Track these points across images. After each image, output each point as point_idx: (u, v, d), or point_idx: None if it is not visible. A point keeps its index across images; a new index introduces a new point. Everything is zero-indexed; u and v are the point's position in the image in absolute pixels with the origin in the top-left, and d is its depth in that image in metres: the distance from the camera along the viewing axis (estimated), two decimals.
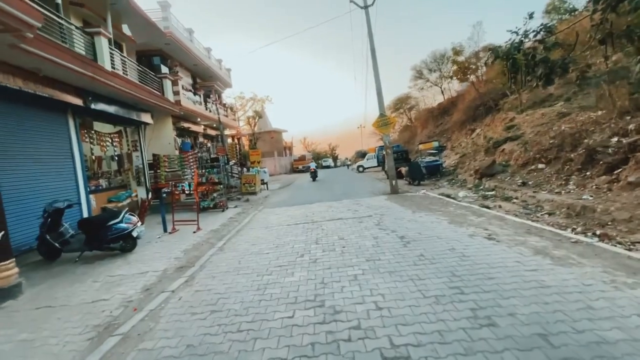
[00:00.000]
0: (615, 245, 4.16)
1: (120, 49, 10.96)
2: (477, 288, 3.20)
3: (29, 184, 6.29)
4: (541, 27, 8.42)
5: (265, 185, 18.08)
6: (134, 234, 5.90)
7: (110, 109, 8.88)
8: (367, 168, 28.64)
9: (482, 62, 22.57)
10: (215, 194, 10.83)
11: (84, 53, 7.62)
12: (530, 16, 8.28)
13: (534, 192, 7.88)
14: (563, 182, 7.81)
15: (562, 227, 5.30)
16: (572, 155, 8.26)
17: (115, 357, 2.69)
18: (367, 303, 3.13)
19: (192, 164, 12.03)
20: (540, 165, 9.29)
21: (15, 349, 2.97)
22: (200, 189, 9.44)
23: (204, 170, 11.83)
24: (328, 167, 48.85)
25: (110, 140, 10.15)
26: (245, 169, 17.85)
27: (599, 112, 8.94)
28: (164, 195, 8.76)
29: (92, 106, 8.02)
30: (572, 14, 17.20)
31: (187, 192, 8.43)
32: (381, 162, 24.38)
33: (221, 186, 11.14)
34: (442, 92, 33.09)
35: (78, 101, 7.55)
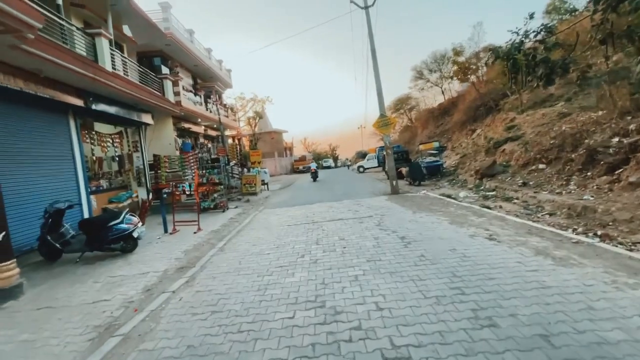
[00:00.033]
0: (617, 246, 4.15)
1: (121, 49, 10.98)
2: (478, 289, 3.20)
3: (30, 184, 6.30)
4: (542, 27, 8.41)
5: (265, 186, 18.08)
6: (135, 234, 5.91)
7: (111, 109, 8.90)
8: (368, 168, 28.62)
9: (483, 62, 22.55)
10: (215, 195, 10.84)
11: (84, 54, 7.64)
12: (531, 16, 8.27)
13: (534, 192, 7.87)
14: (564, 183, 7.79)
15: (563, 227, 5.30)
16: (572, 156, 8.25)
17: (116, 357, 2.69)
18: (367, 303, 3.13)
19: (192, 164, 12.05)
20: (541, 166, 9.28)
21: (17, 350, 2.98)
22: (200, 190, 9.45)
23: (204, 171, 11.83)
24: (328, 167, 48.86)
25: (111, 141, 10.17)
26: (245, 170, 17.86)
27: (600, 113, 8.93)
28: (165, 195, 8.76)
29: (93, 107, 8.03)
30: (573, 14, 17.19)
31: (187, 192, 8.44)
32: (381, 163, 24.38)
33: (222, 187, 11.14)
34: (443, 92, 33.10)
35: (79, 102, 7.57)
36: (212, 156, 16.10)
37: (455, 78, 27.45)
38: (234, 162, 17.23)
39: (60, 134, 7.37)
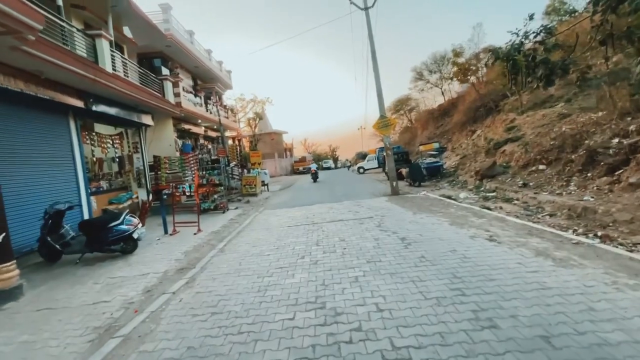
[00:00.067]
0: (617, 247, 4.15)
1: (122, 51, 11.00)
2: (479, 290, 3.19)
3: (30, 185, 6.29)
4: (541, 28, 8.39)
5: (265, 187, 18.09)
6: (135, 235, 5.91)
7: (111, 110, 8.91)
8: (368, 169, 28.64)
9: (483, 63, 22.59)
10: (215, 196, 10.83)
11: (85, 55, 7.65)
12: (531, 17, 8.27)
13: (534, 193, 7.87)
14: (564, 183, 7.80)
15: (564, 228, 5.29)
16: (573, 157, 8.25)
17: (116, 359, 2.69)
18: (368, 305, 3.12)
19: (192, 165, 12.05)
20: (541, 167, 9.29)
21: (16, 351, 2.97)
22: (200, 191, 9.45)
23: (204, 172, 11.84)
24: (329, 168, 48.88)
25: (111, 142, 10.17)
26: (245, 171, 17.87)
27: (600, 113, 8.95)
28: (165, 196, 8.77)
29: (93, 108, 8.04)
30: (572, 15, 17.23)
31: (187, 193, 8.45)
32: (382, 164, 24.37)
33: (222, 188, 11.14)
34: (443, 93, 33.14)
35: (79, 103, 7.57)
36: (212, 157, 16.09)
37: (455, 79, 27.51)
38: (234, 163, 17.24)
39: (60, 135, 7.38)
